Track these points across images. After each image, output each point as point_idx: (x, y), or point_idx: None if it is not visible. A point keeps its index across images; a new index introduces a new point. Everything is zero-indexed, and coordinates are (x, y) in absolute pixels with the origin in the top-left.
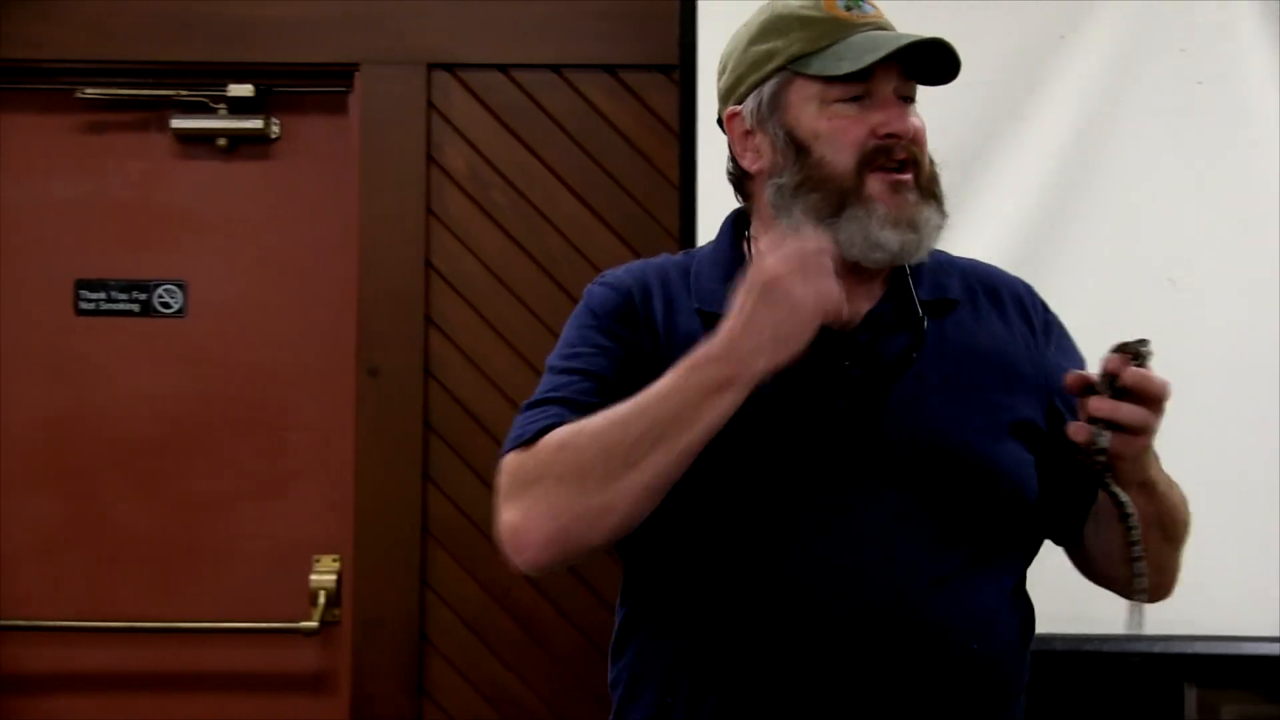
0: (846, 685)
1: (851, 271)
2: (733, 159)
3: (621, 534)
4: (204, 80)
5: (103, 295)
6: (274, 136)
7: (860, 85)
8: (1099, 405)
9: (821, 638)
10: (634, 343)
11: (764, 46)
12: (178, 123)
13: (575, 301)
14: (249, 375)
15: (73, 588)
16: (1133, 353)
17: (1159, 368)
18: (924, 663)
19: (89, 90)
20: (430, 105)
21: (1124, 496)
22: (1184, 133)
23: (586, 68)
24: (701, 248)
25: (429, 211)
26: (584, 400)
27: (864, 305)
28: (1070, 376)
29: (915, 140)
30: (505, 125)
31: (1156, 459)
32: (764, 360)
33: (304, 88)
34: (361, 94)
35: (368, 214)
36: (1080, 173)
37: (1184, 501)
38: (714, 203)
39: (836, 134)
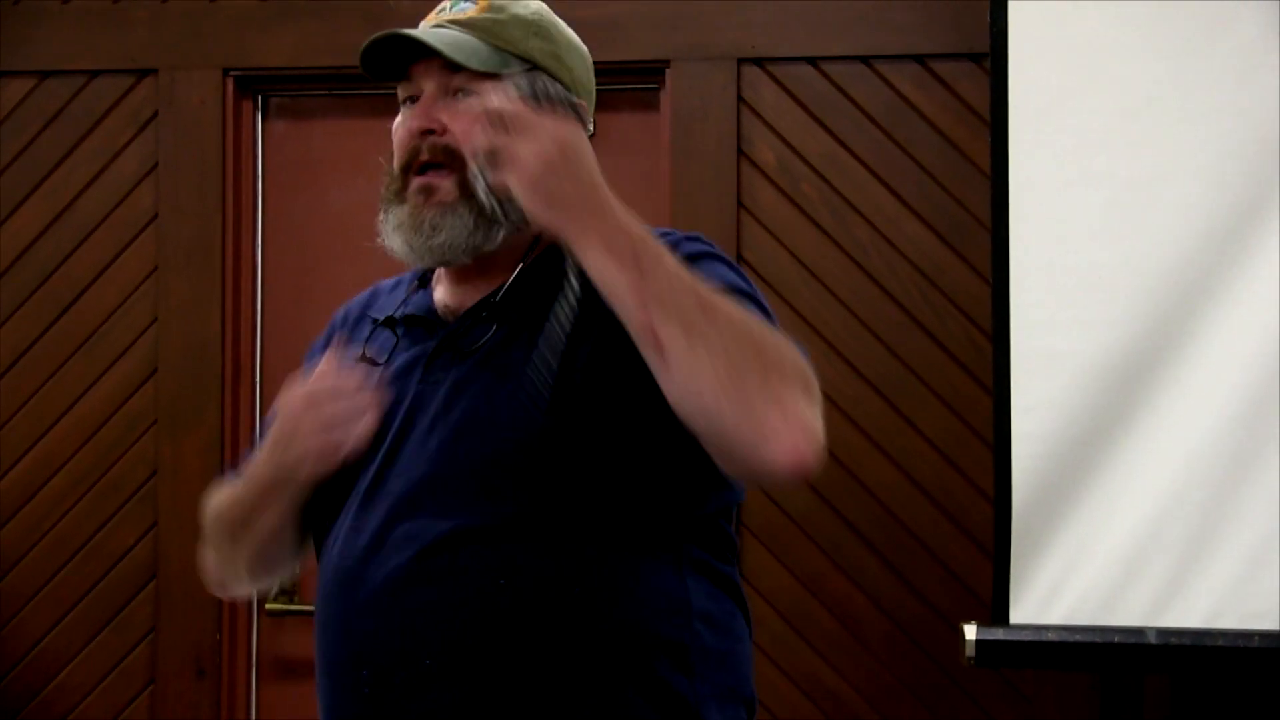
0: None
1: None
2: None
3: (265, 576)
4: None
5: None
6: (589, 134)
7: (409, 85)
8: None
9: (334, 630)
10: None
11: None
12: None
13: (887, 294)
14: None
15: None
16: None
17: None
18: (445, 616)
19: None
20: (740, 99)
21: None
22: None
23: (896, 58)
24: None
25: (740, 205)
26: None
27: (477, 294)
28: None
29: (451, 137)
30: (815, 118)
31: (636, 233)
32: (304, 472)
33: (615, 85)
34: (672, 90)
35: (679, 209)
36: None
37: (754, 325)
38: (1027, 192)
39: (395, 138)
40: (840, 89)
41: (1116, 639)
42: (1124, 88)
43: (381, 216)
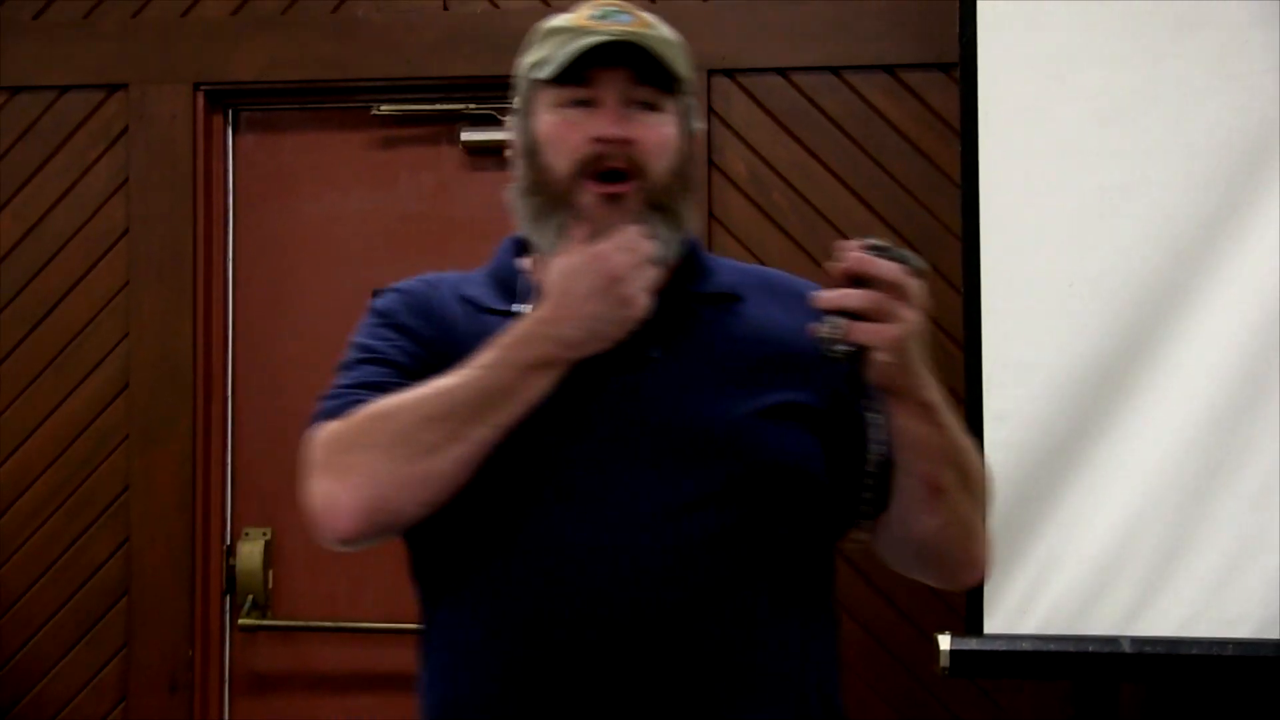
0: (607, 647)
1: None
2: None
3: (434, 507)
4: (491, 93)
5: None
6: None
7: (584, 90)
8: (824, 295)
9: (580, 605)
10: (423, 332)
11: (523, 59)
12: (467, 135)
13: None
14: None
15: (376, 589)
16: (870, 246)
17: None
18: (679, 616)
19: (383, 107)
20: (711, 110)
21: (873, 420)
22: None
23: (865, 68)
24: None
25: (711, 215)
26: (386, 382)
27: None
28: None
29: (638, 148)
30: (785, 128)
31: (938, 390)
32: (587, 347)
33: None
34: None
35: None
36: None
37: (981, 462)
38: (997, 200)
39: (557, 139)
40: (810, 99)
41: (1091, 648)
42: (1093, 96)
43: (530, 217)
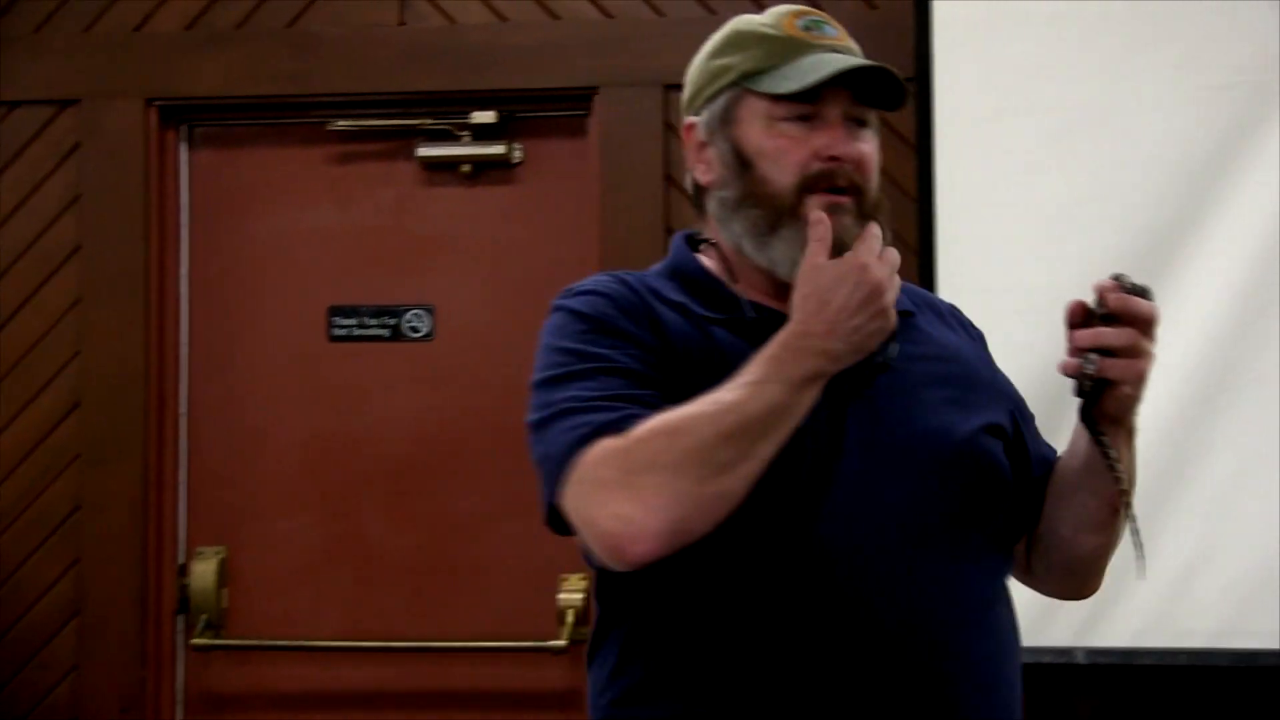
0: (870, 669)
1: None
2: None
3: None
4: (448, 109)
5: (354, 322)
6: (516, 161)
7: (807, 106)
8: (1082, 333)
9: (858, 615)
10: (646, 339)
11: (721, 61)
12: (424, 151)
13: None
14: (496, 397)
15: (332, 608)
16: (1124, 285)
17: None
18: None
19: (340, 122)
20: (668, 125)
21: (1112, 451)
22: None
23: None
24: (649, 269)
25: (668, 231)
26: (640, 394)
27: None
28: (1071, 304)
29: (859, 166)
30: None
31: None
32: (849, 360)
33: (544, 112)
34: (600, 116)
35: (608, 234)
36: None
37: None
38: (953, 214)
39: (780, 153)
40: None
41: (1046, 659)
42: (1049, 111)
43: (751, 230)
